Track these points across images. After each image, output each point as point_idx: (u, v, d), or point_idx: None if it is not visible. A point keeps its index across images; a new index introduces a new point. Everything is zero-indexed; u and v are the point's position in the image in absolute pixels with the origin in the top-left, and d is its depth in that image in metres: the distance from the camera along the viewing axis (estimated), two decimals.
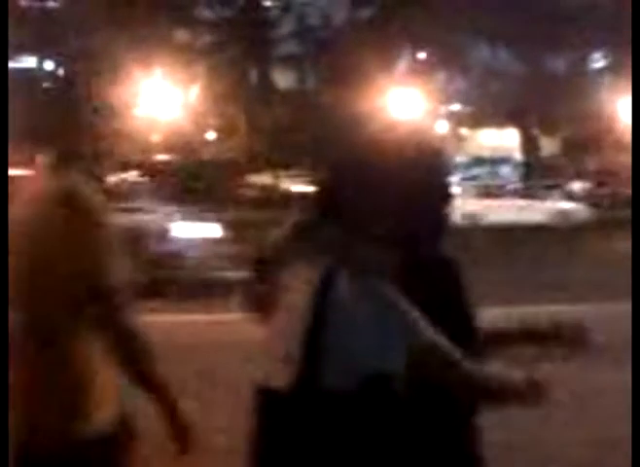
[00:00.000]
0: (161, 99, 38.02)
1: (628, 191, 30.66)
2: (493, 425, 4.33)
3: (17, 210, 2.37)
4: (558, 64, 42.68)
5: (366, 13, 41.63)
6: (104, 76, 37.07)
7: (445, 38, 39.04)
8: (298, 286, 1.98)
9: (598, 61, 43.44)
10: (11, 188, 2.41)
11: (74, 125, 31.62)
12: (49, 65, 41.61)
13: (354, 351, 1.89)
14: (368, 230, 1.97)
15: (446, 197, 2.11)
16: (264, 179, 37.57)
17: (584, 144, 42.28)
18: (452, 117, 42.26)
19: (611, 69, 41.99)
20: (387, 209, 1.98)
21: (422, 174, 2.04)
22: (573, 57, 42.56)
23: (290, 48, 43.09)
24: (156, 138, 39.91)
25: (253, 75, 42.21)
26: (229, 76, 41.67)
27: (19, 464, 2.33)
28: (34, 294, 2.37)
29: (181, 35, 42.56)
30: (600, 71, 43.27)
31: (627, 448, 5.11)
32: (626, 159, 40.54)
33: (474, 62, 42.73)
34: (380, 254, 1.93)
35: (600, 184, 38.79)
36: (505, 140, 45.41)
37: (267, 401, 1.95)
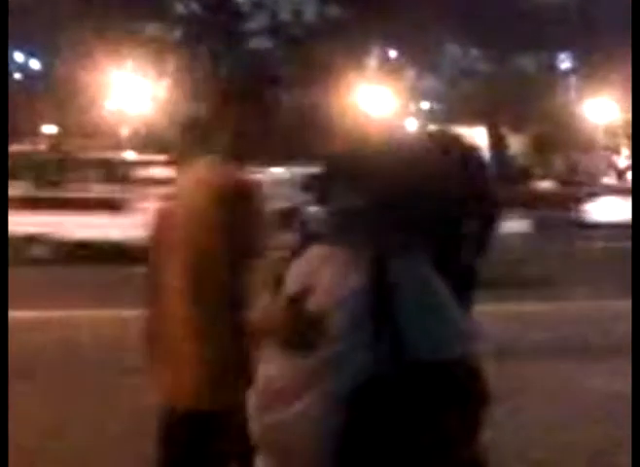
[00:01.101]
0: (132, 92, 37.95)
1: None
2: None
3: (191, 196, 2.86)
4: (527, 64, 43.07)
5: (337, 10, 41.76)
6: (75, 68, 36.97)
7: (416, 36, 39.24)
8: (339, 273, 1.91)
9: (565, 62, 43.88)
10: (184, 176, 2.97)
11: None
12: (19, 57, 41.43)
13: (419, 338, 1.85)
14: (411, 226, 1.95)
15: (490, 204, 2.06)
16: None
17: (551, 143, 42.67)
18: (422, 114, 42.51)
19: (577, 70, 42.46)
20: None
21: (466, 181, 2.01)
22: (541, 58, 42.96)
23: (261, 43, 43.11)
24: (125, 132, 39.83)
25: (223, 70, 42.16)
26: (200, 70, 41.60)
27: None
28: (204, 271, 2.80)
29: (152, 28, 42.41)
30: (567, 72, 43.72)
31: (585, 450, 5.37)
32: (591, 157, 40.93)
33: (444, 61, 43.02)
34: (420, 244, 1.93)
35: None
36: (474, 138, 45.66)
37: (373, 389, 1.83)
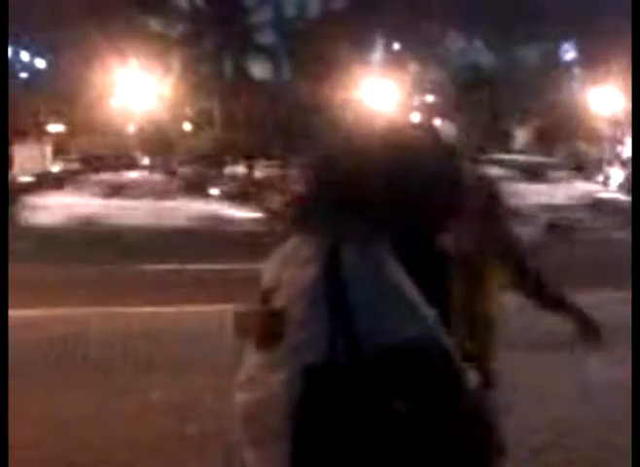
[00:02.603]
0: (136, 90, 37.98)
1: None
2: None
3: None
4: (531, 55, 42.95)
5: (339, 3, 41.69)
6: (80, 67, 37.00)
7: (419, 29, 39.18)
8: (297, 262, 1.95)
9: (569, 52, 43.74)
10: None
11: None
12: (24, 56, 41.51)
13: (374, 322, 1.86)
14: (366, 210, 1.95)
15: (452, 187, 2.05)
16: (239, 170, 37.61)
17: (556, 134, 42.55)
18: (426, 108, 42.39)
19: (581, 60, 42.34)
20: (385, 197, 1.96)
21: (425, 165, 2.01)
22: (545, 49, 42.82)
23: (266, 38, 43.02)
24: (131, 129, 39.91)
25: (228, 65, 42.14)
26: (204, 66, 41.56)
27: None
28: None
29: (156, 25, 42.35)
30: (571, 62, 43.61)
31: (588, 435, 5.43)
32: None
33: (447, 54, 42.91)
34: (379, 231, 1.93)
35: None
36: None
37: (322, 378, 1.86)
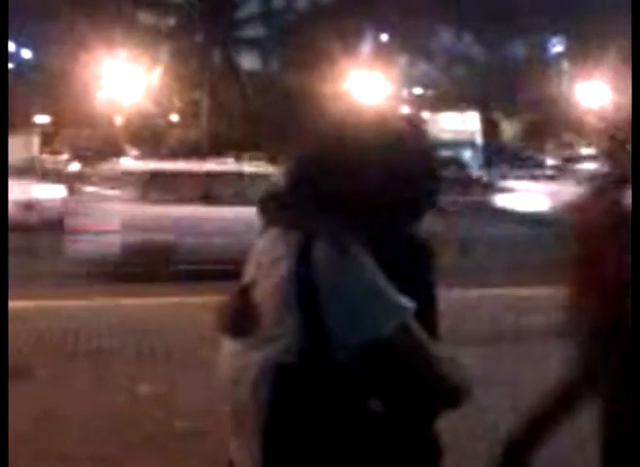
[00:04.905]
0: (125, 82, 37.88)
1: None
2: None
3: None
4: (519, 49, 43.05)
5: None
6: (67, 58, 36.88)
7: (408, 22, 39.19)
8: (271, 258, 1.95)
9: (557, 46, 43.84)
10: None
11: None
12: (10, 47, 41.27)
13: (346, 320, 1.86)
14: (340, 204, 1.93)
15: (429, 179, 2.03)
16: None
17: (544, 127, 42.66)
18: (414, 100, 42.49)
19: (569, 54, 42.43)
20: (361, 187, 1.94)
21: (402, 156, 1.98)
22: (533, 42, 42.92)
23: (254, 30, 42.97)
24: (119, 121, 39.82)
25: (217, 57, 42.07)
26: (193, 58, 41.48)
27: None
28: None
29: (145, 17, 42.25)
30: (559, 55, 43.71)
31: (584, 427, 5.43)
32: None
33: (437, 46, 42.97)
34: (353, 226, 1.91)
35: None
36: (467, 124, 45.73)
37: (283, 375, 1.87)
